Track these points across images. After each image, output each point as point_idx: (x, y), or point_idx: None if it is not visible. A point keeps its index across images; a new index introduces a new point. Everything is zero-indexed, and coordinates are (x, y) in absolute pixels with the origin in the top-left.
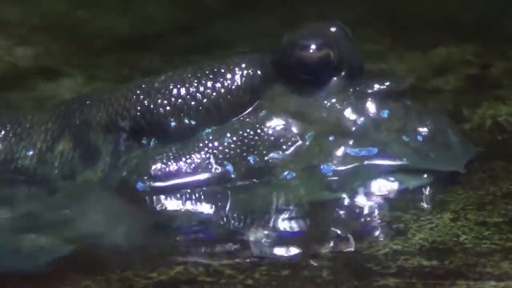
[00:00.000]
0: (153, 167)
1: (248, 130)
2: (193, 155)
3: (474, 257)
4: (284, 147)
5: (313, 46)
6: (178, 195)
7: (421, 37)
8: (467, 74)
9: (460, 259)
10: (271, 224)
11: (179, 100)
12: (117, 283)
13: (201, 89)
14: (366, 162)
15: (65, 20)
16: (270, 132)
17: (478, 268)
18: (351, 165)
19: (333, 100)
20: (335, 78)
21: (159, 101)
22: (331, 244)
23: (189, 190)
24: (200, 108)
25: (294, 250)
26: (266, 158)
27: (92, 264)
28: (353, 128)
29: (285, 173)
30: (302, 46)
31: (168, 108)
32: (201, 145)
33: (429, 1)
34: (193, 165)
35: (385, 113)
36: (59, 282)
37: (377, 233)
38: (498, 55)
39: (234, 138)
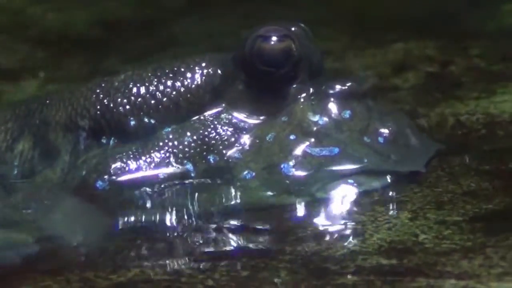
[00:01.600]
0: (113, 166)
1: (208, 129)
2: (153, 154)
3: (434, 256)
4: (244, 146)
5: (274, 38)
6: (138, 194)
7: (381, 34)
8: (426, 71)
9: (420, 258)
10: (230, 226)
11: (139, 99)
12: (77, 284)
13: (161, 88)
14: (327, 162)
15: (21, 17)
16: (230, 131)
17: (438, 266)
18: (312, 165)
19: (295, 100)
20: (297, 78)
21: (119, 100)
22: (290, 245)
23: (148, 190)
24: (160, 107)
25: (253, 251)
26: (226, 157)
27: (52, 264)
28: (315, 128)
29: (245, 172)
30: (264, 37)
31: (127, 107)
32: (161, 144)
33: None
34: (153, 164)
35: (347, 114)
36: (19, 282)
37: (334, 234)
38: (458, 52)
39: (194, 137)
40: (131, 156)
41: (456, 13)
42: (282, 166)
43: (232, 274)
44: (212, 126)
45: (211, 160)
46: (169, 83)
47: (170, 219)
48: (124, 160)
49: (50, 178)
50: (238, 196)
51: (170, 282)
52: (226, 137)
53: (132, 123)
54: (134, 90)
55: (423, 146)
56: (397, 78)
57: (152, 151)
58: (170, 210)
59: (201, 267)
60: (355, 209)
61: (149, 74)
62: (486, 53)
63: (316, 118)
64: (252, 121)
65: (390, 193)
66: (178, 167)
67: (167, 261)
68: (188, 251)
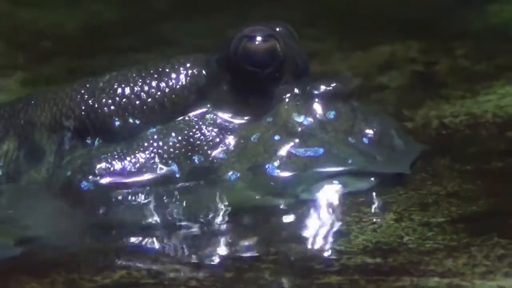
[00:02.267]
0: (98, 166)
1: (193, 130)
2: (137, 155)
3: (418, 255)
4: (229, 147)
5: (259, 38)
6: (123, 195)
7: (366, 35)
8: (411, 72)
9: (404, 257)
10: (215, 226)
11: (124, 100)
12: (62, 286)
13: (146, 88)
14: (311, 163)
15: (8, 18)
16: (215, 132)
17: (422, 265)
18: (297, 165)
19: (280, 100)
20: (281, 79)
21: (104, 100)
22: (274, 246)
23: (133, 190)
24: (145, 107)
25: (237, 252)
26: (210, 158)
27: (37, 266)
28: (299, 129)
29: (230, 173)
30: (249, 37)
31: (112, 107)
32: (145, 144)
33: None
34: (138, 165)
35: (331, 114)
36: (3, 284)
37: (319, 235)
38: (443, 52)
39: (179, 138)
40: (116, 156)
41: (442, 14)
42: (266, 166)
43: (216, 275)
44: (197, 126)
45: (196, 160)
46: (153, 83)
47: (154, 220)
48: (109, 161)
49: (35, 179)
50: (223, 197)
51: (155, 284)
52: (211, 138)
53: (117, 123)
54: (119, 90)
55: (408, 147)
56: (382, 79)
57: (137, 152)
58: (154, 211)
59: (185, 268)
60: (340, 210)
61: (134, 75)
62: (471, 54)
63: (301, 118)
64: (237, 121)
65: (375, 195)
66: (163, 168)
67: (152, 263)
68: (173, 252)
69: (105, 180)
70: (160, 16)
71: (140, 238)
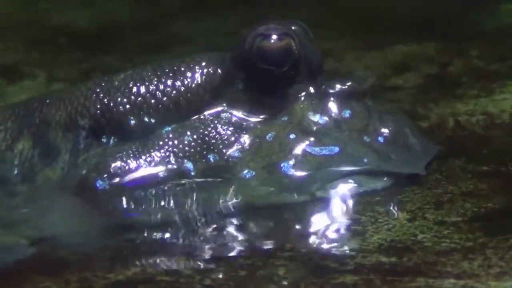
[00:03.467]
0: (113, 165)
1: (208, 129)
2: (153, 153)
3: (433, 255)
4: (244, 145)
5: (274, 36)
6: (138, 194)
7: (381, 35)
8: (426, 72)
9: (419, 257)
10: (230, 225)
11: (139, 99)
12: (76, 284)
13: (161, 87)
14: (326, 161)
15: (21, 15)
16: (230, 130)
17: (438, 266)
18: (312, 164)
19: (295, 99)
20: (297, 77)
21: (119, 99)
22: (289, 244)
23: (148, 189)
24: (160, 106)
25: (252, 250)
26: (226, 156)
27: (51, 265)
28: (314, 127)
29: (245, 171)
30: (264, 35)
31: (127, 106)
32: (161, 143)
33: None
34: (153, 163)
35: (346, 113)
36: (18, 283)
37: (334, 234)
38: (456, 53)
39: (194, 137)
40: (131, 155)
41: (455, 14)
42: (282, 165)
43: (231, 273)
44: (212, 125)
45: (211, 159)
46: (169, 82)
47: (169, 218)
48: (124, 159)
49: (50, 177)
50: (238, 195)
51: (169, 281)
52: (226, 136)
53: (132, 122)
54: (134, 89)
55: (423, 146)
56: (396, 79)
57: (152, 150)
58: (169, 209)
59: (200, 266)
60: (355, 209)
61: (149, 73)
62: (484, 53)
63: (316, 117)
64: (252, 120)
65: (390, 194)
66: (178, 166)
67: (166, 260)
68: (187, 250)
69: (120, 179)
70: (173, 15)
71: (155, 236)
